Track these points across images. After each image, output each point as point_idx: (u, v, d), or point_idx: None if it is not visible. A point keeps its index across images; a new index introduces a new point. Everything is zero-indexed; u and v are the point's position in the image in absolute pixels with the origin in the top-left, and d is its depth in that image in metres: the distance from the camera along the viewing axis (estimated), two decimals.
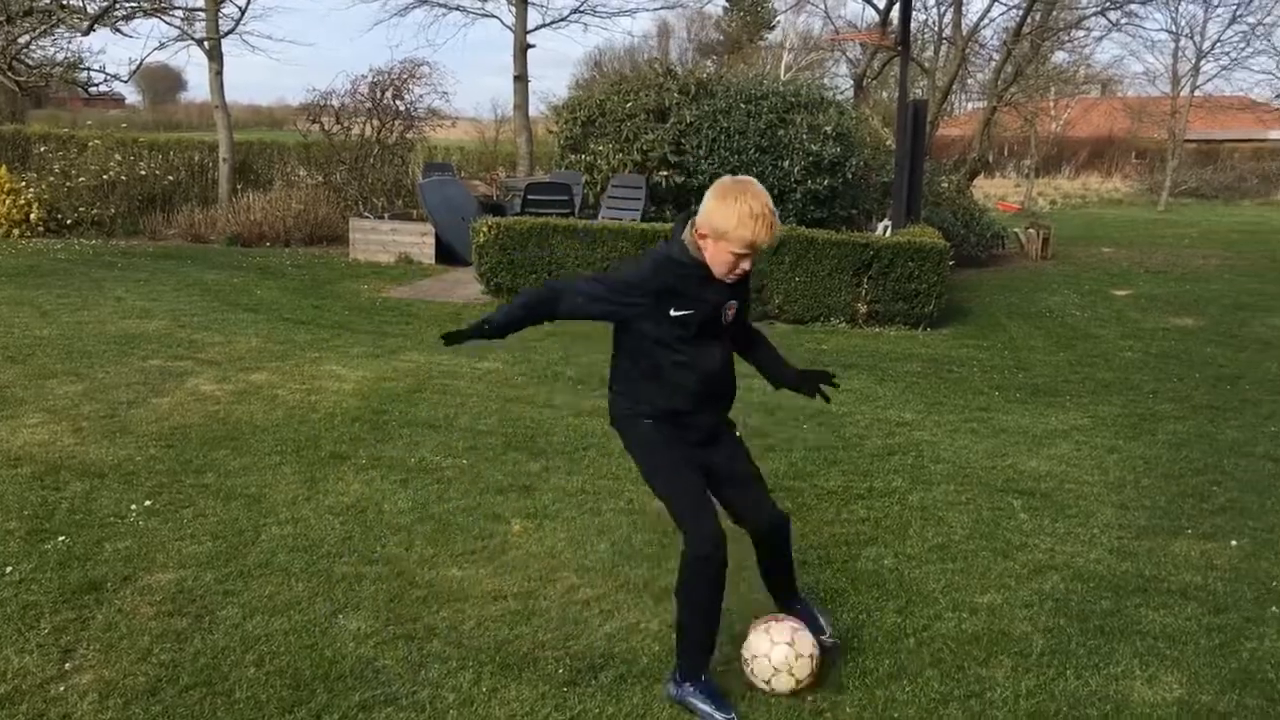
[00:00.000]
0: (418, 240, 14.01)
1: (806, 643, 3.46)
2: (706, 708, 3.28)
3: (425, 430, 6.20)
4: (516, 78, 19.10)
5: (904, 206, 12.36)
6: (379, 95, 16.99)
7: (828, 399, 3.69)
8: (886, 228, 12.44)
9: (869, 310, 10.54)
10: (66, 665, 3.46)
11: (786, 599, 3.77)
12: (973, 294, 12.85)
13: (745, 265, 3.22)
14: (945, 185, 16.78)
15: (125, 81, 17.88)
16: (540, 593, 4.16)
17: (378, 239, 14.18)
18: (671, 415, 3.39)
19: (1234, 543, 4.94)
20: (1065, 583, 4.42)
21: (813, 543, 4.76)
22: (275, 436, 5.95)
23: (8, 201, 14.59)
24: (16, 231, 14.55)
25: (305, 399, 6.71)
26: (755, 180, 3.22)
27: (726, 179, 3.23)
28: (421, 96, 17.70)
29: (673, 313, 3.22)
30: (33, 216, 14.73)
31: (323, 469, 5.46)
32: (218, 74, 17.07)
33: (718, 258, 3.20)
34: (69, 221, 15.09)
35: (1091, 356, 9.34)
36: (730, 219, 3.11)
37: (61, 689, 3.31)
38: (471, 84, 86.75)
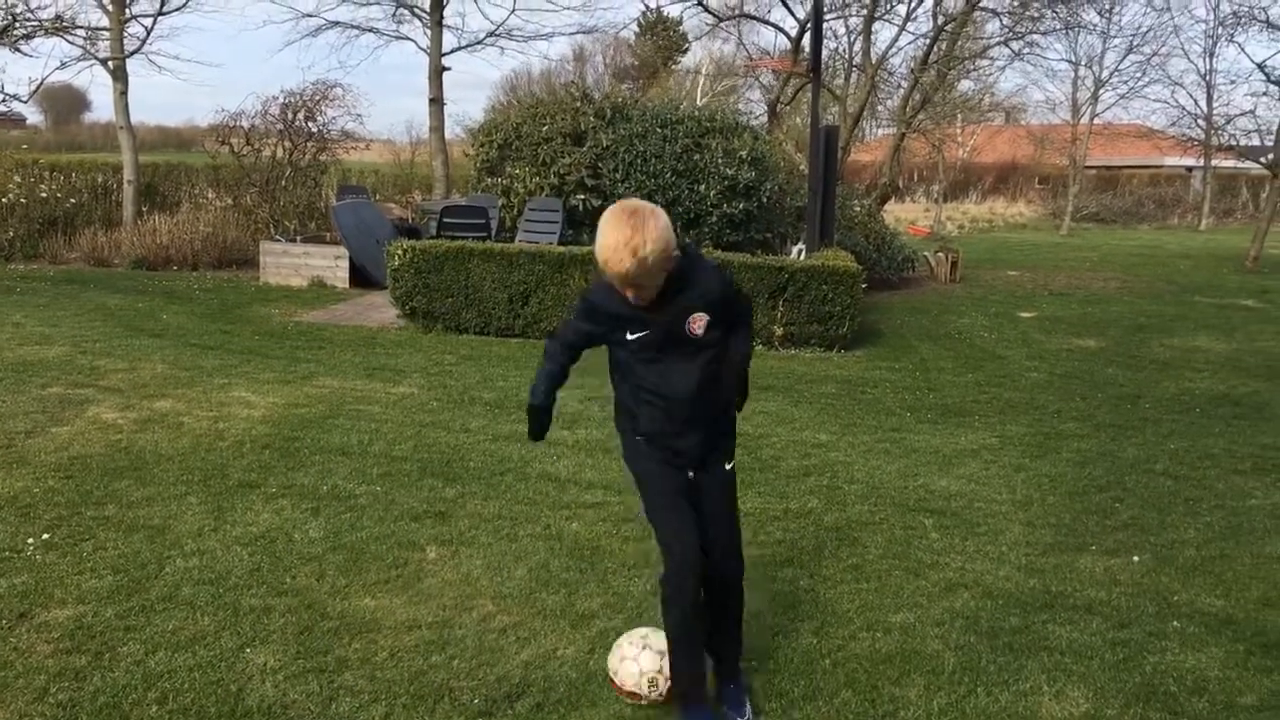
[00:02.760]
0: (331, 263, 13.81)
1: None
2: None
3: (338, 457, 6.09)
4: (432, 100, 18.98)
5: (817, 230, 12.54)
6: (290, 117, 16.77)
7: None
8: (800, 251, 12.61)
9: (785, 333, 10.65)
10: None
11: (724, 671, 3.57)
12: (885, 316, 13.08)
13: (630, 294, 3.10)
14: (858, 209, 17.09)
15: (25, 102, 17.35)
16: (456, 621, 4.11)
17: (290, 262, 13.95)
18: (654, 436, 3.36)
19: (1136, 558, 5.08)
20: (975, 600, 4.50)
21: None
22: (181, 465, 5.79)
23: None
24: None
25: (213, 426, 6.55)
26: (642, 205, 3.04)
27: (615, 205, 3.09)
28: (335, 118, 17.53)
29: (629, 336, 3.22)
30: None
31: (230, 498, 5.33)
32: (122, 94, 16.67)
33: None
34: None
35: (999, 377, 9.56)
36: (599, 251, 3.01)
37: None
38: (386, 106, 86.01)
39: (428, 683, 3.62)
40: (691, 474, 3.40)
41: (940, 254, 17.58)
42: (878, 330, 11.97)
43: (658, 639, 3.49)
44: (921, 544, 5.16)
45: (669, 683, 3.42)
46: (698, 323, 3.19)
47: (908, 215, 31.75)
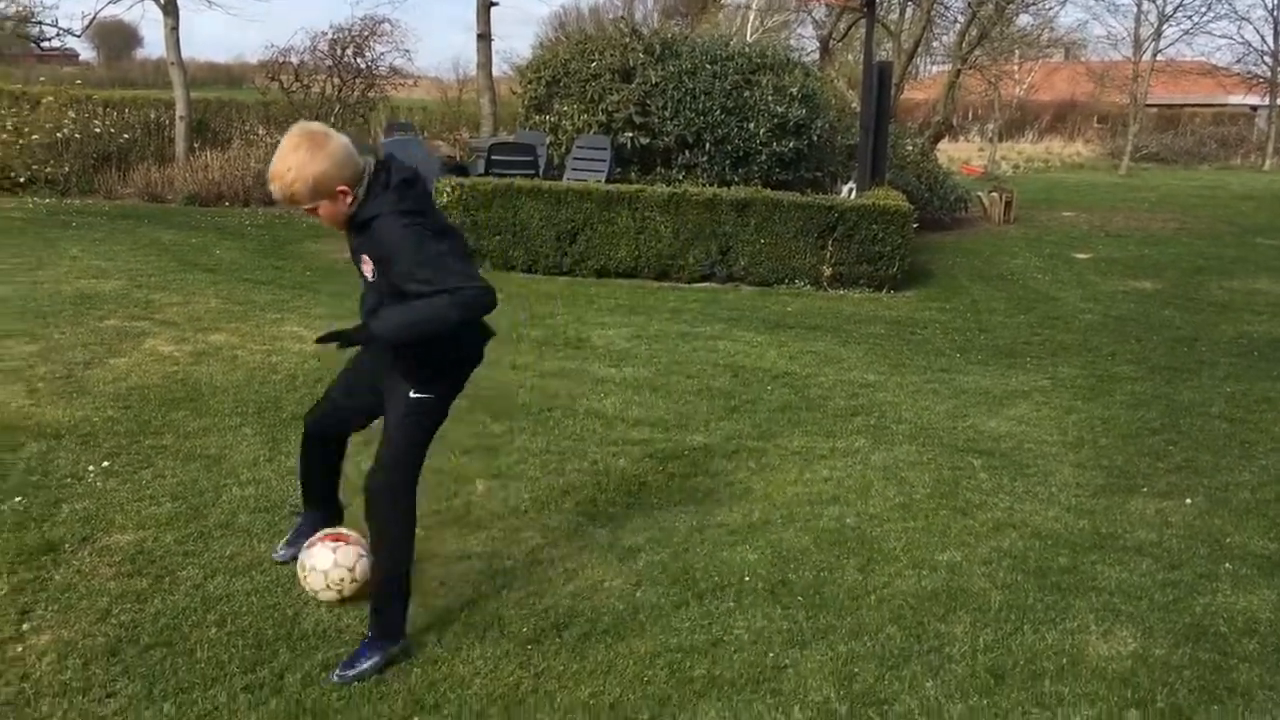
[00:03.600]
0: None
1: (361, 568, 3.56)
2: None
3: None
4: (480, 36, 18.83)
5: (869, 169, 12.37)
6: (340, 53, 16.76)
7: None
8: (851, 190, 12.46)
9: (833, 273, 10.57)
10: (24, 626, 3.42)
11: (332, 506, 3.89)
12: (936, 257, 12.92)
13: (308, 214, 3.17)
14: (910, 148, 16.80)
15: (78, 36, 17.61)
16: (504, 552, 4.16)
17: None
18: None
19: (1189, 500, 5.02)
20: (1023, 540, 4.48)
21: (776, 502, 4.79)
22: (235, 398, 5.89)
23: None
24: None
25: (266, 360, 6.64)
26: (315, 131, 3.04)
27: (296, 126, 3.10)
28: (383, 54, 17.50)
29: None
30: None
31: (284, 430, 5.41)
32: (173, 29, 16.70)
33: None
34: (22, 180, 14.75)
35: (1052, 319, 9.43)
36: None
37: (19, 650, 3.28)
38: (434, 42, 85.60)
39: (477, 611, 3.69)
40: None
41: (994, 194, 17.27)
42: (928, 271, 11.83)
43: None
44: (969, 484, 5.14)
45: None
46: (365, 265, 3.22)
47: (961, 154, 31.17)
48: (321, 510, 3.87)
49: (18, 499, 4.36)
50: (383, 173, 3.14)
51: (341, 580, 3.53)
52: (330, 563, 3.53)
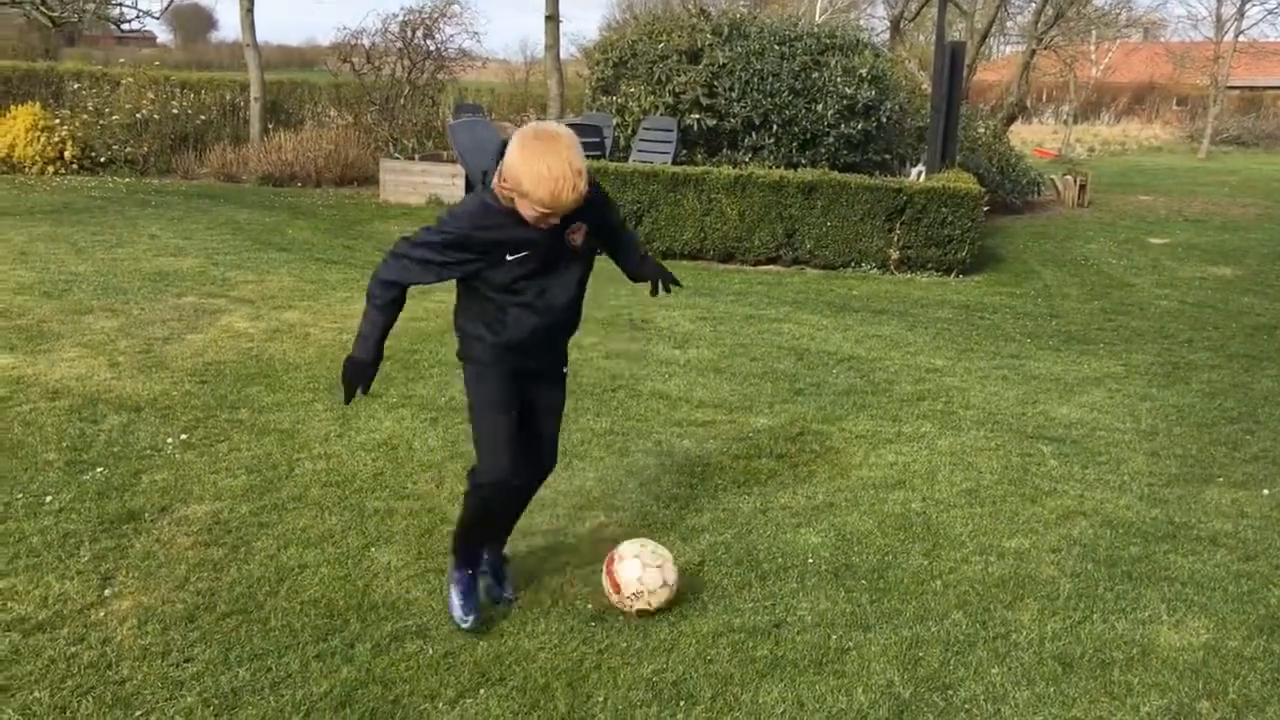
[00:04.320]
0: (448, 182, 13.98)
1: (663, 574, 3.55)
2: (456, 599, 3.46)
3: (455, 370, 6.20)
4: (548, 18, 18.87)
5: (939, 151, 12.20)
6: (410, 35, 16.88)
7: (667, 290, 3.70)
8: (920, 173, 12.30)
9: (901, 256, 10.45)
10: (106, 592, 3.53)
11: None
12: (1007, 241, 12.71)
13: (554, 221, 3.06)
14: (982, 130, 16.53)
15: (157, 18, 18.09)
16: (569, 530, 4.21)
17: (408, 180, 14.17)
18: (510, 348, 3.33)
19: (1266, 491, 4.91)
20: (1094, 528, 4.42)
21: (840, 485, 4.77)
22: (308, 374, 6.01)
23: (42, 139, 14.65)
24: (51, 169, 14.63)
25: (337, 338, 6.76)
26: (565, 130, 3.00)
27: (530, 128, 3.01)
28: (452, 36, 17.60)
29: (508, 257, 3.14)
30: (66, 154, 14.80)
31: (355, 407, 5.46)
32: (249, 12, 16.98)
33: (524, 211, 3.04)
34: (103, 159, 15.14)
35: (1126, 305, 9.24)
36: (528, 177, 2.93)
37: (101, 614, 3.39)
38: (502, 24, 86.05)
39: (542, 586, 3.73)
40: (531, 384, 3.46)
41: (1068, 177, 16.94)
42: (999, 255, 11.65)
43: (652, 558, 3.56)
44: (1039, 471, 5.07)
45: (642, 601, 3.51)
46: (576, 233, 3.21)
47: (1035, 137, 30.59)
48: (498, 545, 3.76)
49: (99, 469, 4.50)
50: None
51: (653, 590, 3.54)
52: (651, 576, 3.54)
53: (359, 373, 3.29)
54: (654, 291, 3.69)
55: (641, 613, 3.51)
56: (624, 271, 3.73)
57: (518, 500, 3.60)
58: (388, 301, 3.24)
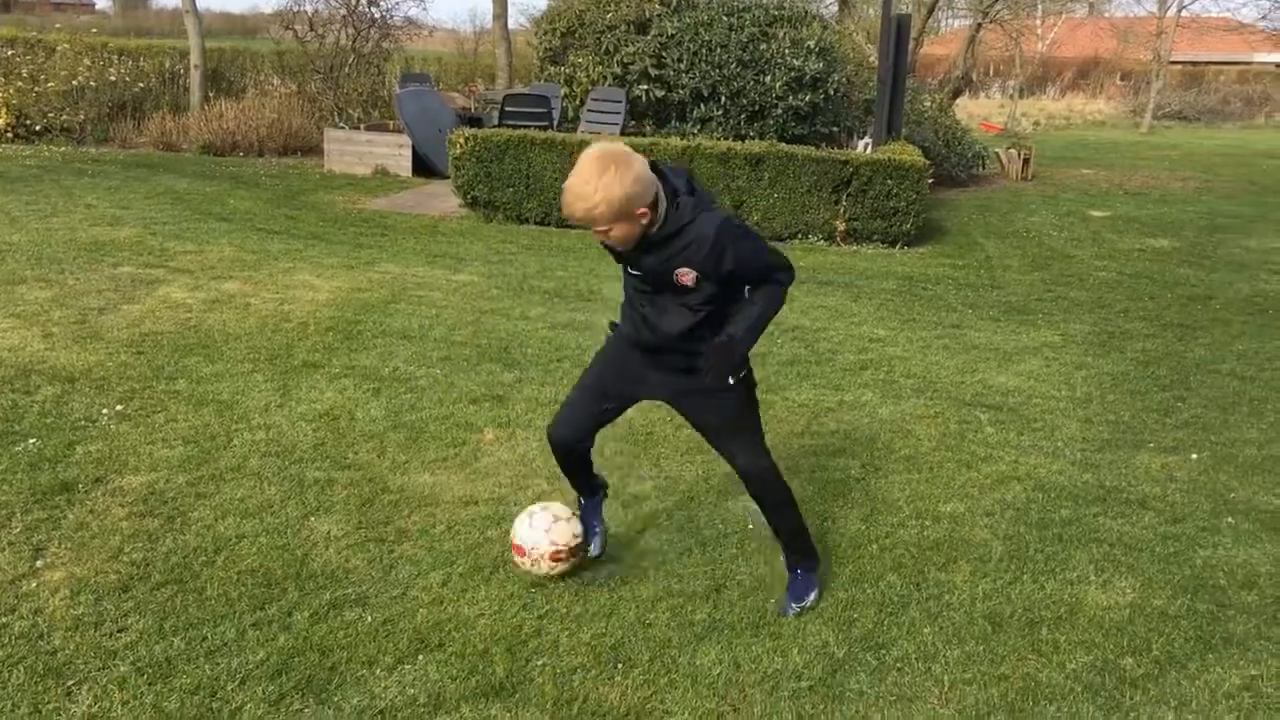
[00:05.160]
0: (394, 152, 13.83)
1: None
2: None
3: (399, 340, 6.20)
4: None
5: (885, 124, 12.27)
6: (354, 2, 16.62)
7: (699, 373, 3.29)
8: (867, 145, 12.37)
9: (847, 228, 10.52)
10: (38, 563, 3.49)
11: (787, 561, 3.67)
12: (951, 213, 12.84)
13: (597, 237, 3.07)
14: (928, 104, 16.63)
15: None
16: (511, 499, 4.21)
17: (353, 150, 13.99)
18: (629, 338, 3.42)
19: (1194, 456, 5.03)
20: (1027, 493, 4.51)
21: (781, 454, 4.80)
22: (248, 345, 5.94)
23: None
24: None
25: (278, 308, 6.68)
26: (617, 153, 2.95)
27: (594, 146, 3.01)
28: (398, 4, 17.36)
29: (630, 270, 3.24)
30: (0, 122, 14.44)
31: (295, 377, 5.46)
32: None
33: None
34: (38, 128, 14.78)
35: (1066, 276, 9.39)
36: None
37: (33, 585, 3.35)
38: None
39: (484, 555, 3.74)
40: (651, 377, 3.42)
41: (1012, 150, 17.12)
42: (943, 227, 11.77)
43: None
44: (975, 438, 5.15)
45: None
46: (685, 277, 3.12)
47: (981, 111, 30.84)
48: (595, 495, 3.82)
49: (32, 440, 4.43)
50: (667, 180, 3.09)
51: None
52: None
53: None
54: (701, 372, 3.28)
55: (551, 573, 3.51)
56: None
57: (566, 458, 3.61)
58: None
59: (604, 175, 2.90)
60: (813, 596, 3.54)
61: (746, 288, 3.26)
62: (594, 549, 3.76)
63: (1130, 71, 39.40)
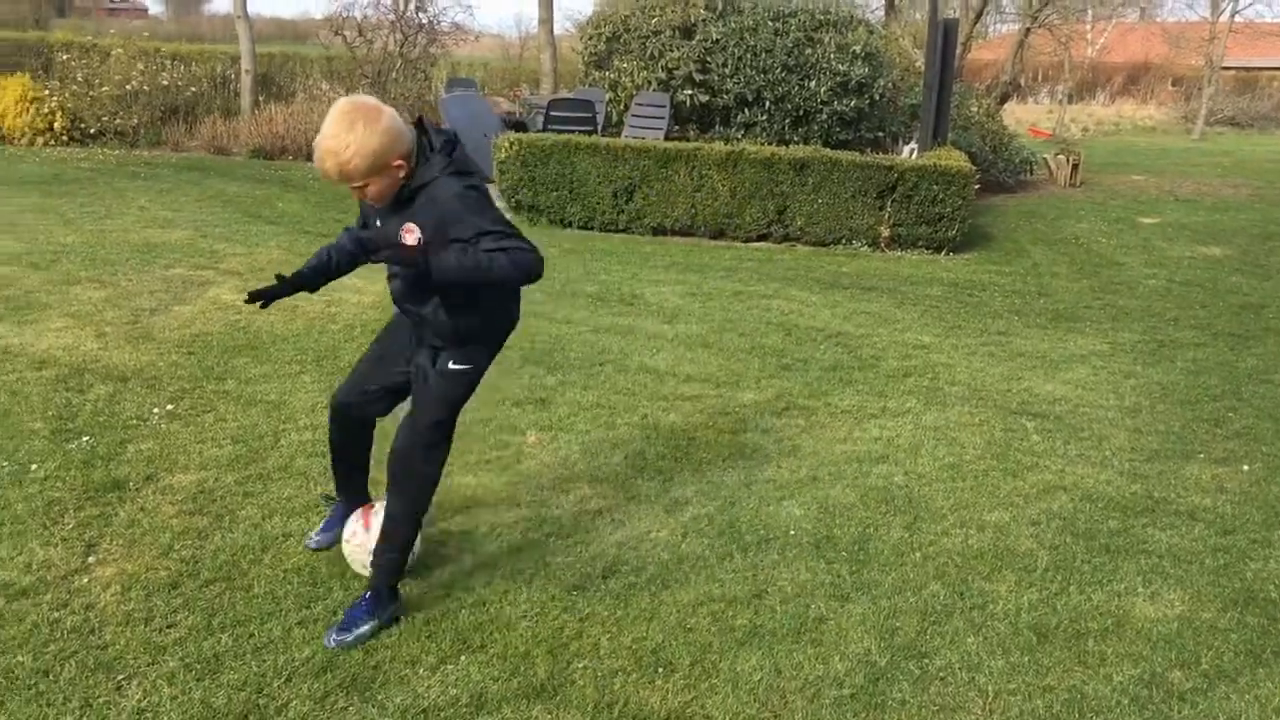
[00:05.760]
0: None
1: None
2: None
3: None
4: None
5: (931, 129, 12.19)
6: (402, 7, 16.79)
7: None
8: (913, 150, 12.29)
9: (892, 234, 10.46)
10: (90, 559, 3.55)
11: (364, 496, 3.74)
12: (998, 219, 12.72)
13: (354, 194, 3.05)
14: (975, 109, 16.48)
15: None
16: (553, 501, 4.23)
17: None
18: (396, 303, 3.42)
19: (1246, 467, 4.95)
20: (1074, 503, 4.45)
21: (824, 459, 4.80)
22: (295, 346, 6.01)
23: (31, 110, 14.57)
24: (40, 140, 14.56)
25: (325, 310, 6.76)
26: (366, 104, 2.91)
27: (344, 99, 2.96)
28: (445, 10, 17.53)
29: (376, 221, 3.21)
30: (56, 125, 14.72)
31: (341, 378, 5.50)
32: None
33: None
34: (92, 131, 15.06)
35: (1115, 284, 9.27)
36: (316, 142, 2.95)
37: (85, 581, 3.41)
38: None
39: (525, 557, 3.76)
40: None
41: (1060, 156, 16.92)
42: (989, 233, 11.66)
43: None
44: (1021, 446, 5.10)
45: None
46: (409, 234, 3.04)
47: (1030, 116, 30.52)
48: (354, 500, 3.69)
49: (85, 438, 4.51)
50: (424, 136, 3.05)
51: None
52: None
53: (288, 283, 3.18)
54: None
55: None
56: None
57: (341, 426, 3.63)
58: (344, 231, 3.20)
59: (354, 128, 2.86)
60: (365, 629, 3.21)
61: None
62: (312, 541, 3.71)
63: (1182, 77, 38.81)
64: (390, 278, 3.29)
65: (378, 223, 3.20)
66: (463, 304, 3.20)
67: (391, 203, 3.07)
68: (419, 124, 3.07)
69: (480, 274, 2.97)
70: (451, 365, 3.28)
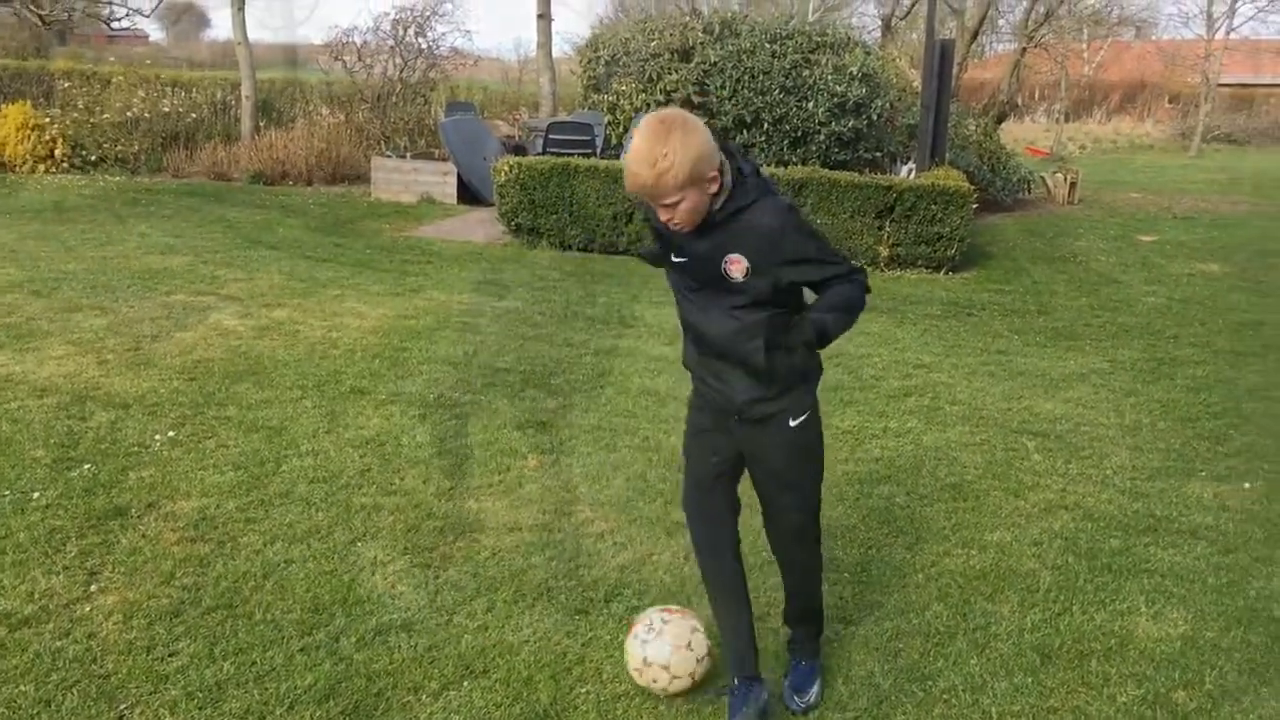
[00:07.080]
0: (439, 180, 13.99)
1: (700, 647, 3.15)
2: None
3: (445, 367, 6.26)
4: (540, 16, 18.89)
5: (928, 149, 12.23)
6: (401, 33, 16.90)
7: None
8: (911, 170, 12.33)
9: (891, 253, 10.48)
10: (92, 587, 3.55)
11: (790, 642, 3.36)
12: (997, 238, 12.75)
13: (663, 215, 2.69)
14: (972, 128, 16.55)
15: (147, 16, 17.93)
16: (555, 525, 4.23)
17: (400, 178, 14.18)
18: (693, 370, 3.09)
19: (1247, 485, 4.95)
20: (1075, 522, 4.45)
21: (826, 481, 4.77)
22: (296, 371, 6.02)
23: (32, 137, 14.62)
24: (42, 167, 14.60)
25: (326, 335, 6.77)
26: (676, 114, 2.65)
27: (649, 114, 2.69)
28: (444, 34, 17.61)
29: (674, 258, 2.86)
30: (57, 152, 14.78)
31: (343, 403, 5.53)
32: (240, 10, 16.97)
33: None
34: (93, 158, 15.11)
35: (1114, 301, 9.29)
36: (625, 161, 2.67)
37: (87, 609, 3.41)
38: (495, 22, 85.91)
39: (527, 581, 3.76)
40: (736, 423, 3.03)
41: (1058, 174, 16.97)
42: (988, 252, 11.69)
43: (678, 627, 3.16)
44: (1022, 465, 5.10)
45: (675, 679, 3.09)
46: (735, 265, 2.73)
47: (1027, 135, 30.63)
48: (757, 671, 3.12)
49: (87, 466, 4.52)
50: (734, 156, 2.76)
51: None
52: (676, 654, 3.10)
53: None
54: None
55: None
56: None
57: (714, 562, 3.20)
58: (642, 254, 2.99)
59: (670, 137, 2.58)
60: (817, 688, 3.16)
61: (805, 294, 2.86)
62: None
63: (1178, 94, 38.96)
64: (692, 332, 2.98)
65: (680, 248, 2.84)
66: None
67: (707, 230, 2.75)
68: (724, 147, 2.74)
69: (856, 313, 2.90)
70: (792, 422, 3.02)
